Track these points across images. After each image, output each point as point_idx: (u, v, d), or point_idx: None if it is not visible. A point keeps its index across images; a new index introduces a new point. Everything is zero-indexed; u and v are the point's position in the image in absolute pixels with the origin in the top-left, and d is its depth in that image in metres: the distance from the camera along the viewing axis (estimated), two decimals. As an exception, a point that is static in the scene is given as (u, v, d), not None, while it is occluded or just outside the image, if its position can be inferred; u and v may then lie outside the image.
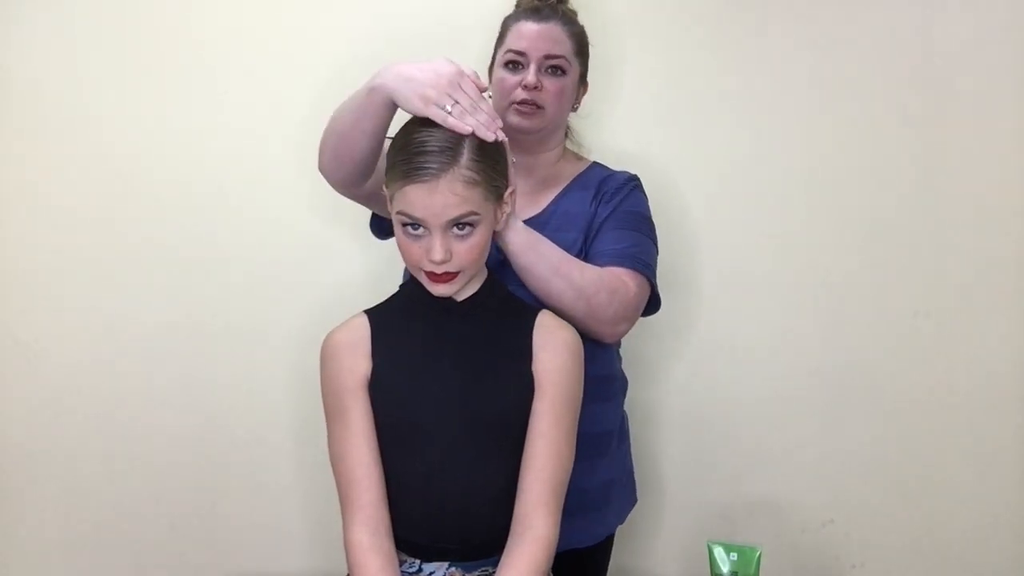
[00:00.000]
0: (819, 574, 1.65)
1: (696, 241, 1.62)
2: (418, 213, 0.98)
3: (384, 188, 1.05)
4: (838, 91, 1.60)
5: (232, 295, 1.63)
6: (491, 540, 1.05)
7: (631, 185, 1.32)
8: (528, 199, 1.30)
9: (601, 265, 1.20)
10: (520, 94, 1.25)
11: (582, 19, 1.34)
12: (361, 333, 1.08)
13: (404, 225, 1.01)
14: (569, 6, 1.35)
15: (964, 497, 1.62)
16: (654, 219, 1.33)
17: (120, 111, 1.61)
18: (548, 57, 1.25)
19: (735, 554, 1.10)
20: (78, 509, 1.64)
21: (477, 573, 1.06)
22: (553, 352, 1.07)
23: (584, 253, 1.24)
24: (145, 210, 1.62)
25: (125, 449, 1.64)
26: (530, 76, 1.24)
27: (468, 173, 0.98)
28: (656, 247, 1.30)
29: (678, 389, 1.64)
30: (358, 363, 1.06)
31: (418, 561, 1.06)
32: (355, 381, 1.05)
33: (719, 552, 1.10)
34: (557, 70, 1.26)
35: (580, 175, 1.33)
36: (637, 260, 1.23)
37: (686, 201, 1.61)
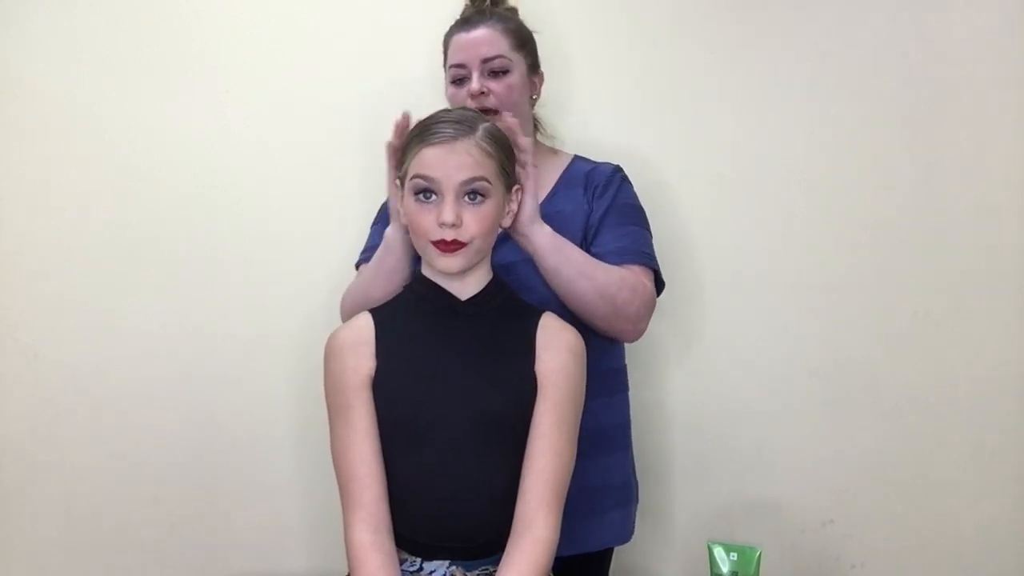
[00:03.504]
0: (819, 574, 1.65)
1: (696, 241, 1.62)
2: (433, 173, 1.02)
3: (396, 182, 1.11)
4: (838, 91, 1.60)
5: (233, 296, 1.63)
6: (492, 540, 1.05)
7: (619, 176, 1.34)
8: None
9: (613, 263, 1.22)
10: (469, 103, 1.26)
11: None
12: (365, 332, 1.09)
13: (417, 193, 1.04)
14: (504, 7, 1.36)
15: (964, 497, 1.62)
16: (652, 219, 1.36)
17: (121, 112, 1.61)
18: (486, 61, 1.27)
19: (735, 554, 1.10)
20: (78, 509, 1.64)
21: (477, 572, 1.06)
22: (555, 353, 1.08)
23: (586, 249, 1.26)
24: (145, 210, 1.62)
25: (125, 449, 1.63)
26: (473, 84, 1.27)
27: (483, 144, 1.04)
28: (651, 232, 1.33)
29: (678, 389, 1.64)
30: (362, 362, 1.07)
31: (419, 560, 1.06)
32: (359, 380, 1.06)
33: (719, 552, 1.11)
34: (499, 71, 1.28)
35: (564, 173, 1.35)
36: (644, 254, 1.27)
37: (686, 201, 1.61)
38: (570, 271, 1.16)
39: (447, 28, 1.36)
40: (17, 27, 1.58)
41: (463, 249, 1.04)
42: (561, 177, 1.34)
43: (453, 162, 1.02)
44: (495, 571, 1.03)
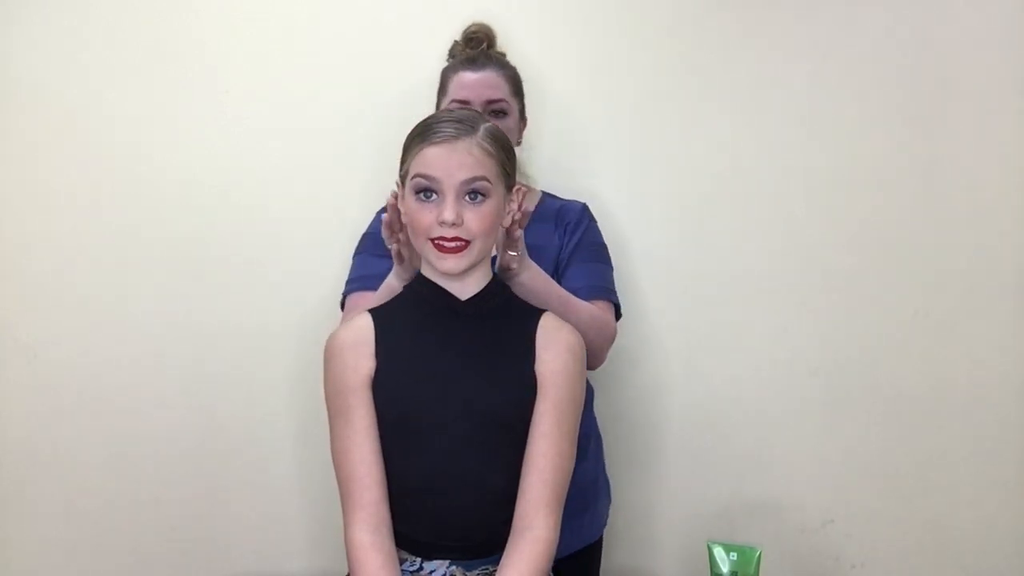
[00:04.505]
0: (819, 574, 1.65)
1: (696, 241, 1.62)
2: (435, 172, 1.02)
3: (397, 183, 1.10)
4: (838, 91, 1.60)
5: (233, 295, 1.63)
6: (492, 539, 1.05)
7: (588, 216, 1.43)
8: None
9: (582, 299, 1.29)
10: None
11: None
12: (365, 332, 1.09)
13: (418, 192, 1.04)
14: (496, 50, 1.45)
15: (964, 497, 1.62)
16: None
17: (121, 111, 1.61)
18: (490, 103, 1.35)
19: (735, 554, 1.10)
20: (78, 509, 1.64)
21: (478, 572, 1.06)
22: (555, 353, 1.08)
23: (558, 281, 1.31)
24: (145, 210, 1.62)
25: (125, 449, 1.63)
26: None
27: (485, 144, 1.04)
28: (612, 267, 1.42)
29: (678, 389, 1.64)
30: (361, 362, 1.07)
31: (419, 560, 1.06)
32: (358, 380, 1.06)
33: (719, 552, 1.11)
34: (499, 113, 1.36)
35: (536, 208, 1.41)
36: (608, 291, 1.36)
37: (685, 201, 1.61)
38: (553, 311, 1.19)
39: (447, 59, 1.43)
40: (17, 27, 1.58)
41: (466, 249, 1.04)
42: (534, 213, 1.37)
43: (454, 161, 1.02)
44: (495, 571, 1.03)
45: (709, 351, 1.63)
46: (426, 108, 1.11)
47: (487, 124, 1.07)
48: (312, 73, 1.61)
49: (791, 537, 1.64)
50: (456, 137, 1.02)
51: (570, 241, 1.37)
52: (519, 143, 1.43)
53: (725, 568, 1.10)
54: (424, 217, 1.04)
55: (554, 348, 1.08)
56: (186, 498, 1.65)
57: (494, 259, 1.15)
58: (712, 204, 1.62)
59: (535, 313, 1.12)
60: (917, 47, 1.58)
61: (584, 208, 1.44)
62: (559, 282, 1.30)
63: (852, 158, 1.60)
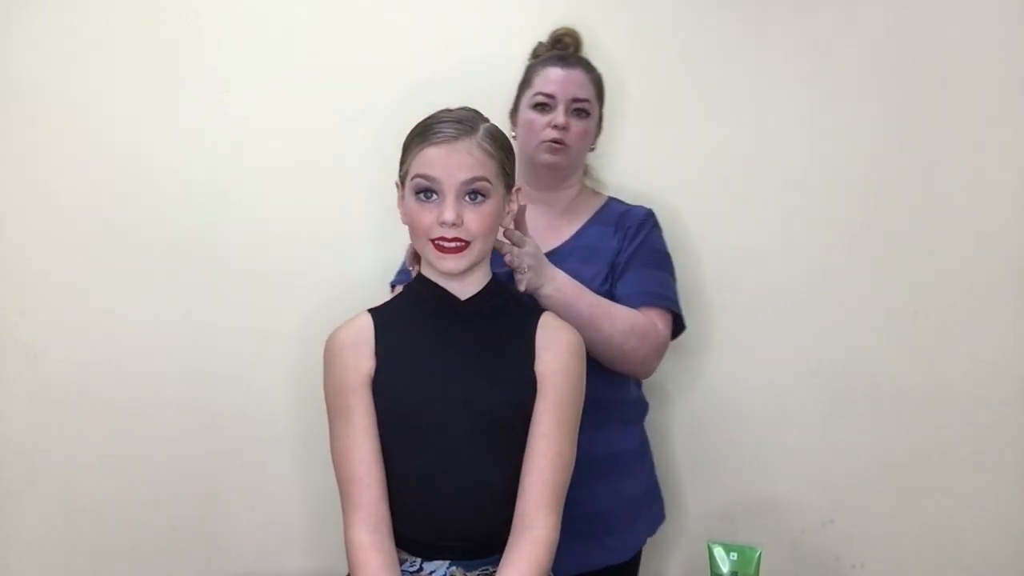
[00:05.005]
0: (819, 574, 1.65)
1: (696, 241, 1.62)
2: (434, 172, 1.02)
3: (396, 183, 1.10)
4: (838, 91, 1.60)
5: (233, 295, 1.63)
6: (492, 539, 1.05)
7: (651, 223, 1.41)
8: (551, 231, 1.38)
9: (634, 306, 1.29)
10: (550, 133, 1.35)
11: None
12: (365, 332, 1.09)
13: (418, 192, 1.04)
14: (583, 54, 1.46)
15: (964, 497, 1.62)
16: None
17: (121, 111, 1.61)
18: (575, 100, 1.36)
19: (735, 554, 1.10)
20: (78, 509, 1.64)
21: (477, 572, 1.06)
22: (555, 353, 1.08)
23: (610, 285, 1.33)
24: (145, 210, 1.62)
25: (125, 449, 1.63)
26: (560, 117, 1.35)
27: (484, 144, 1.04)
28: (675, 278, 1.41)
29: (678, 389, 1.64)
30: (362, 362, 1.07)
31: (419, 560, 1.06)
32: (358, 379, 1.06)
33: (719, 552, 1.11)
34: (582, 112, 1.37)
35: (599, 211, 1.42)
36: (664, 298, 1.34)
37: (685, 201, 1.61)
38: (576, 324, 1.18)
39: (534, 55, 1.46)
40: (17, 27, 1.58)
41: (466, 250, 1.04)
42: (596, 215, 1.42)
43: (454, 161, 1.02)
44: (495, 571, 1.03)
45: (709, 351, 1.63)
46: (425, 109, 1.11)
47: (487, 124, 1.07)
48: (312, 73, 1.61)
49: (791, 537, 1.64)
50: (456, 137, 1.02)
51: (629, 246, 1.36)
52: (593, 148, 1.45)
53: (725, 568, 1.10)
54: (424, 217, 1.04)
55: (554, 348, 1.08)
56: (186, 498, 1.65)
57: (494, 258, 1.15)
58: (712, 203, 1.62)
59: (535, 313, 1.12)
60: (917, 47, 1.58)
61: (648, 214, 1.42)
62: (614, 288, 1.32)
63: (852, 158, 1.60)
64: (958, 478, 1.62)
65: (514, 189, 1.11)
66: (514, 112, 1.43)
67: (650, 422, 1.48)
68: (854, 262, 1.61)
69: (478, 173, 1.03)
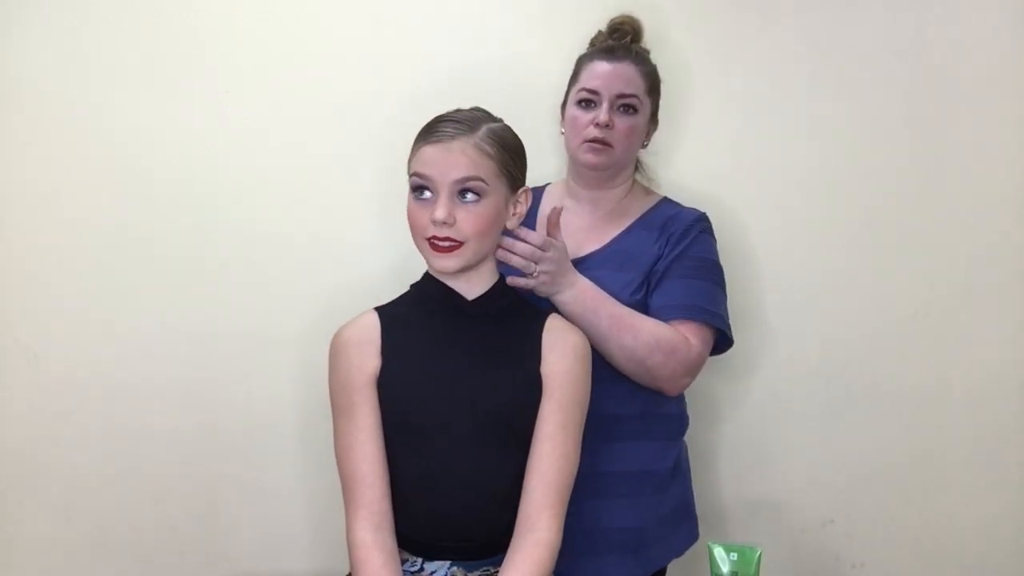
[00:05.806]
0: (819, 574, 1.65)
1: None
2: (428, 170, 1.02)
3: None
4: (838, 90, 1.60)
5: (234, 295, 1.63)
6: (493, 541, 1.05)
7: (699, 228, 1.32)
8: (592, 233, 1.33)
9: (666, 319, 1.22)
10: (592, 131, 1.28)
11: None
12: (371, 330, 1.09)
13: (414, 190, 1.05)
14: (642, 45, 1.37)
15: (964, 497, 1.62)
16: None
17: (121, 112, 1.60)
18: (620, 96, 1.28)
19: (735, 554, 1.10)
20: (78, 509, 1.64)
21: (479, 573, 1.06)
22: (561, 355, 1.08)
23: (645, 293, 1.26)
24: (146, 211, 1.62)
25: (125, 449, 1.63)
26: (602, 115, 1.28)
27: (483, 144, 1.03)
28: (724, 290, 1.31)
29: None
30: (367, 360, 1.06)
31: (420, 560, 1.06)
32: (363, 378, 1.06)
33: (719, 552, 1.10)
34: (629, 108, 1.30)
35: (646, 213, 1.35)
36: (704, 311, 1.24)
37: (685, 201, 1.61)
38: (596, 334, 1.16)
39: (584, 50, 1.38)
40: (17, 27, 1.58)
41: (459, 249, 1.04)
42: (641, 217, 1.35)
43: (448, 161, 1.02)
44: (496, 572, 1.03)
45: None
46: (429, 109, 1.10)
47: (493, 124, 1.07)
48: (313, 73, 1.61)
49: (791, 537, 1.64)
50: (452, 137, 1.02)
51: (671, 252, 1.28)
52: (646, 145, 1.38)
53: (725, 568, 1.10)
54: (420, 216, 1.04)
55: (560, 350, 1.08)
56: (187, 498, 1.65)
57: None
58: (711, 204, 1.61)
59: (542, 314, 1.12)
60: (917, 47, 1.58)
61: (698, 219, 1.33)
62: (648, 298, 1.25)
63: (852, 157, 1.60)
64: (958, 478, 1.62)
65: (519, 191, 1.10)
66: (564, 107, 1.36)
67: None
68: (854, 261, 1.61)
69: (471, 172, 1.02)
